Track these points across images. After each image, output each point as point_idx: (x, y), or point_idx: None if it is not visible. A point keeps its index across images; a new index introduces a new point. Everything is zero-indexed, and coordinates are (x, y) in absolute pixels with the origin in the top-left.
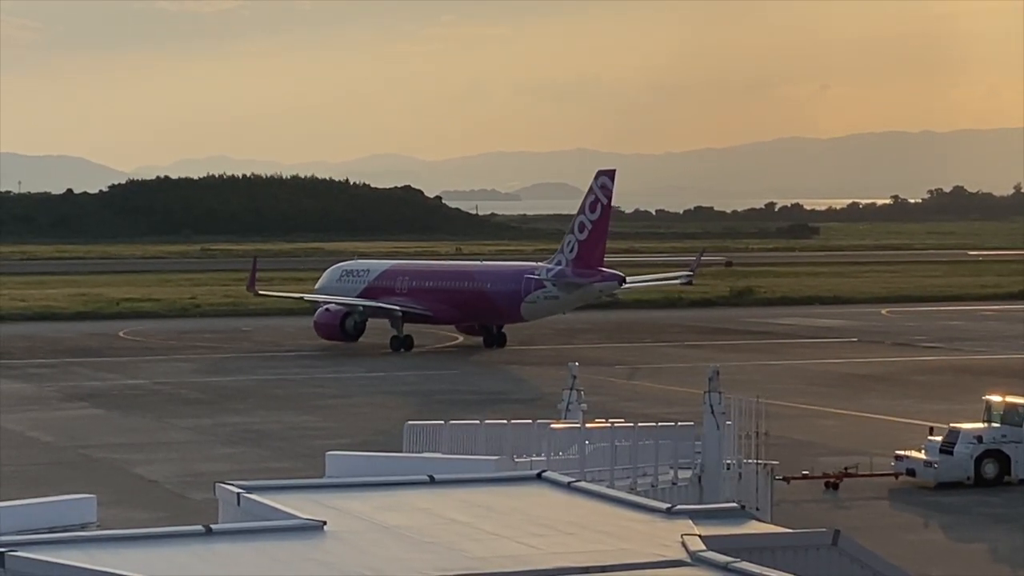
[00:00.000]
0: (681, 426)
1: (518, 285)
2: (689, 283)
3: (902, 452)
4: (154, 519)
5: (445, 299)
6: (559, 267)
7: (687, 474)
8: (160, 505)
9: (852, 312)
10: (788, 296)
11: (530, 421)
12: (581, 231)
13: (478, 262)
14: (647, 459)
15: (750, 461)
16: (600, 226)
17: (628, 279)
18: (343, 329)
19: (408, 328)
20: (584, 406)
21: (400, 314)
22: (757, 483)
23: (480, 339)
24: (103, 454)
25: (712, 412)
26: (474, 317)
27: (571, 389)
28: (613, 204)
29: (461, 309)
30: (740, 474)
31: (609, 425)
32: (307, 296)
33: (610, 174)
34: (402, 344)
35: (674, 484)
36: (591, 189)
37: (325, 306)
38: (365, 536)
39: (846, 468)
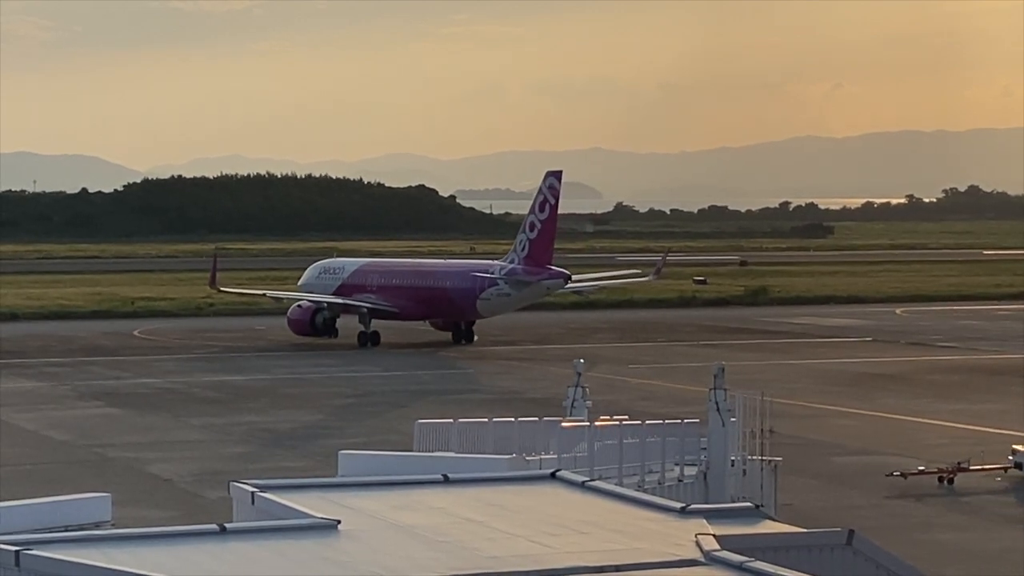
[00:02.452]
0: (687, 423)
1: (474, 283)
2: (705, 282)
3: (1018, 447)
4: (168, 518)
5: (410, 296)
6: (511, 265)
7: (693, 471)
8: (174, 504)
9: (867, 311)
10: (803, 295)
11: (536, 419)
12: (532, 230)
13: (441, 260)
14: (654, 457)
15: (754, 458)
16: (549, 225)
17: (575, 277)
18: (313, 325)
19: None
20: (589, 403)
21: (366, 311)
22: (762, 480)
23: (449, 335)
24: (118, 453)
25: (717, 409)
26: (437, 313)
27: (576, 386)
28: (628, 203)
29: (425, 306)
30: (744, 471)
31: (617, 423)
32: (269, 293)
33: (557, 175)
34: (369, 339)
35: (680, 481)
36: (540, 190)
37: (298, 303)
38: (379, 535)
39: (959, 463)
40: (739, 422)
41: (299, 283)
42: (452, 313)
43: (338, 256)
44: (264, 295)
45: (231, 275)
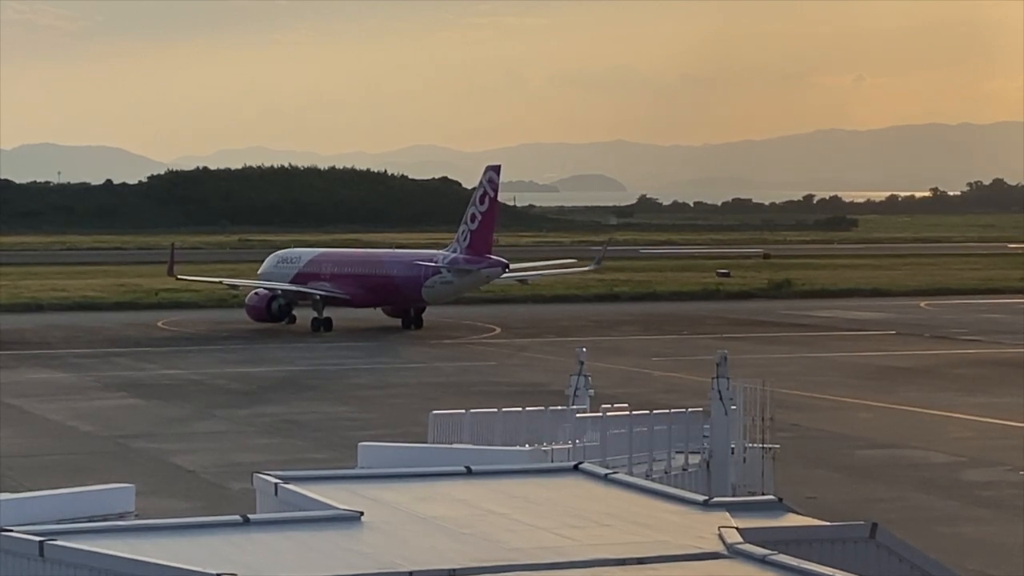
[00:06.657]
0: (691, 412)
1: (418, 271)
2: (728, 275)
3: None
4: (192, 508)
5: (361, 284)
6: (453, 254)
7: (696, 459)
8: (198, 495)
9: (891, 305)
10: (826, 288)
11: (543, 408)
12: (472, 221)
13: (390, 250)
14: (661, 446)
15: (753, 446)
16: (488, 217)
17: (512, 266)
18: (269, 311)
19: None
20: (591, 392)
21: (319, 298)
22: (763, 468)
23: (399, 321)
24: (142, 444)
25: (720, 398)
26: (385, 301)
27: (579, 375)
28: (651, 196)
29: (375, 293)
30: (744, 458)
31: (626, 413)
32: (226, 280)
33: (496, 169)
34: (321, 324)
35: (685, 469)
36: (481, 183)
37: (255, 290)
38: (402, 526)
39: None
40: (740, 410)
41: (259, 272)
42: (399, 300)
43: (295, 247)
44: (221, 282)
45: (256, 266)
